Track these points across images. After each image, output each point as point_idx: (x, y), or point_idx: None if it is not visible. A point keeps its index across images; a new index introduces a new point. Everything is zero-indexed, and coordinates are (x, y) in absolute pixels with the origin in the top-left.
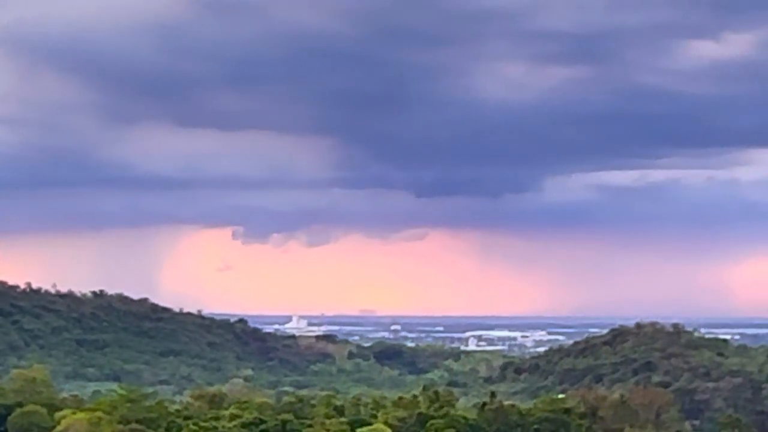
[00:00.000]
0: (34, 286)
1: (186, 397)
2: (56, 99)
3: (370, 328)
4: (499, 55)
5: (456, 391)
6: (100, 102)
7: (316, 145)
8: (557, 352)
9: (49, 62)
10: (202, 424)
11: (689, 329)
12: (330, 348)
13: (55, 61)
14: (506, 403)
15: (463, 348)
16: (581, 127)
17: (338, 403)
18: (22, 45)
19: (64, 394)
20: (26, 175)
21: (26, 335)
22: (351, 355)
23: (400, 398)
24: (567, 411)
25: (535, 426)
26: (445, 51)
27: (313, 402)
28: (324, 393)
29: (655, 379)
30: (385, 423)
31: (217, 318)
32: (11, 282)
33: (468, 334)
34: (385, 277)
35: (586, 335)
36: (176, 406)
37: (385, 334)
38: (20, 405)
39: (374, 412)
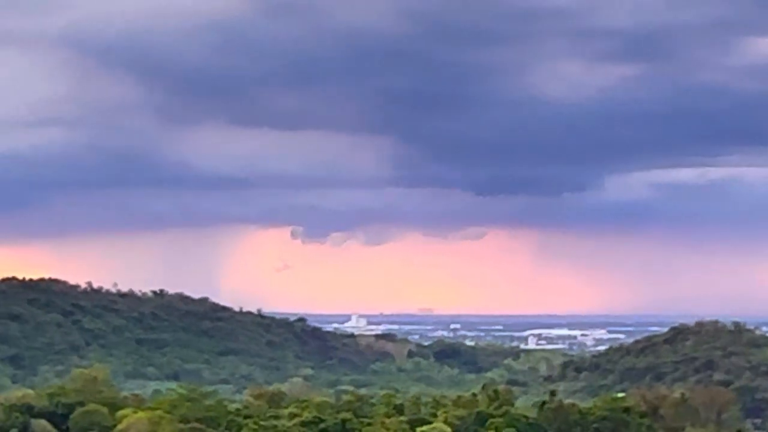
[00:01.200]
0: (95, 285)
1: (245, 396)
2: (115, 100)
3: (429, 327)
4: (556, 53)
5: (516, 389)
6: (158, 102)
7: (374, 144)
8: (617, 351)
9: (107, 63)
10: (262, 422)
11: (750, 327)
12: (389, 347)
13: (114, 62)
14: (566, 401)
15: (522, 347)
16: (641, 125)
17: (398, 401)
18: (81, 46)
19: (125, 394)
20: (87, 175)
21: (87, 335)
22: (410, 354)
23: (460, 397)
24: (627, 410)
25: (595, 425)
26: (503, 49)
27: (372, 401)
28: (383, 392)
29: (716, 377)
30: (445, 422)
31: (277, 317)
32: (72, 282)
33: (527, 332)
34: (444, 275)
35: (646, 334)
36: (236, 405)
37: (445, 333)
38: (81, 404)
39: (434, 410)
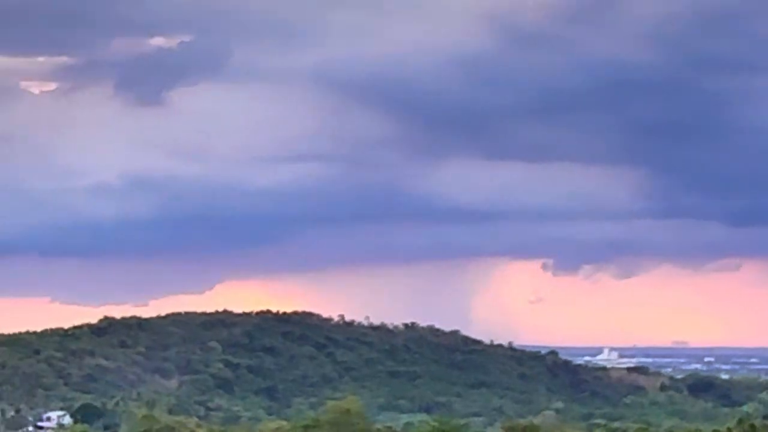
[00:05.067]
0: (348, 318)
1: (497, 429)
2: (366, 134)
3: (682, 360)
4: None
5: None
6: (408, 136)
7: (625, 175)
8: None
9: (358, 98)
10: None
11: None
12: (642, 380)
13: (365, 96)
14: None
15: None
16: None
17: None
18: (332, 82)
19: (378, 426)
20: (339, 210)
21: (340, 367)
22: (663, 388)
23: (715, 431)
24: None
25: None
26: (755, 77)
27: None
28: (636, 426)
29: None
30: None
31: (528, 350)
32: (326, 315)
33: None
34: (698, 308)
35: None
36: None
37: (698, 366)
38: None
39: None
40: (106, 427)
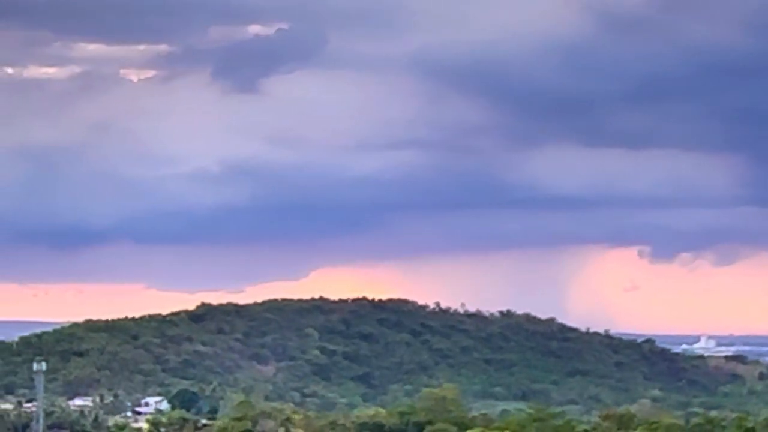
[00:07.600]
0: (443, 306)
1: (594, 417)
2: (463, 121)
3: None
4: None
5: None
6: (505, 123)
7: (723, 162)
8: None
9: (455, 85)
10: None
11: None
12: (740, 369)
13: (462, 83)
14: None
15: None
16: None
17: (749, 425)
18: (430, 69)
19: (474, 413)
20: (436, 197)
21: (436, 354)
22: (762, 377)
23: None
24: None
25: None
26: None
27: (723, 423)
28: (734, 414)
29: None
30: None
31: (624, 338)
32: (421, 302)
33: None
34: None
35: None
36: (584, 426)
37: None
38: (431, 423)
39: None
40: (203, 413)
